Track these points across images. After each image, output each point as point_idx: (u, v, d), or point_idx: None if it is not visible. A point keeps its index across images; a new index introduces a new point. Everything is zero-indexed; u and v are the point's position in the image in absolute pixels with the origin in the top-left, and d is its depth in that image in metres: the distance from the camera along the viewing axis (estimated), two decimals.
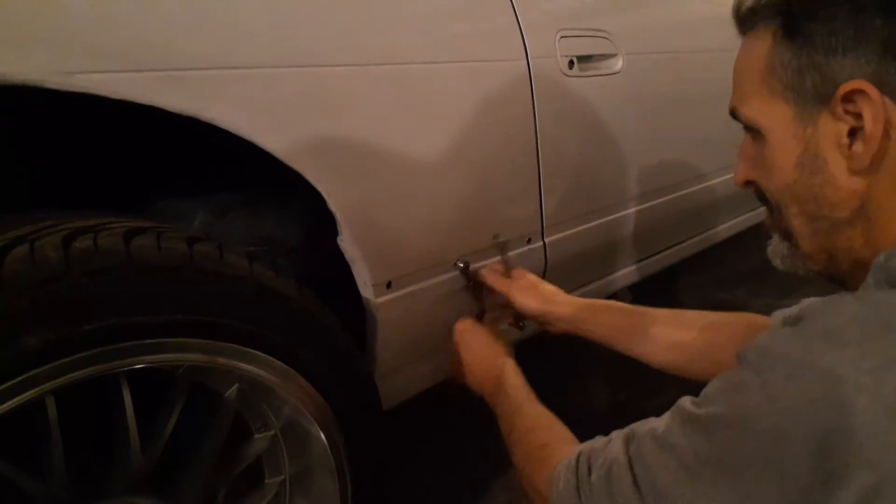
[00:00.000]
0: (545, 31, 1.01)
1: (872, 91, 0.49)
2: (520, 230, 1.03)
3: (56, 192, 0.71)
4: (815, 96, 0.52)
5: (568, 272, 1.18)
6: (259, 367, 0.66)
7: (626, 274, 1.35)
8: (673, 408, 0.55)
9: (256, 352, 0.66)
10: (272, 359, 0.67)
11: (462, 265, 0.93)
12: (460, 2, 0.91)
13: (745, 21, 0.59)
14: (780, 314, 0.73)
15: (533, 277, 0.96)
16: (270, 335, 0.66)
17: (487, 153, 0.93)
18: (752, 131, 0.58)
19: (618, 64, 1.15)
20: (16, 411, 0.52)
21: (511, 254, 1.00)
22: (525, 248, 1.04)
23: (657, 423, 0.55)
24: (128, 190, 0.77)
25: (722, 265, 1.95)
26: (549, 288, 0.95)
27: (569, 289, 1.21)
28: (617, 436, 0.60)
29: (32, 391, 0.53)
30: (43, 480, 0.58)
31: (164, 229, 0.63)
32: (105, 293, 0.56)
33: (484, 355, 0.88)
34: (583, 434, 0.67)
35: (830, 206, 0.54)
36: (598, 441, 0.62)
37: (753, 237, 1.80)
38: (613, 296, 1.39)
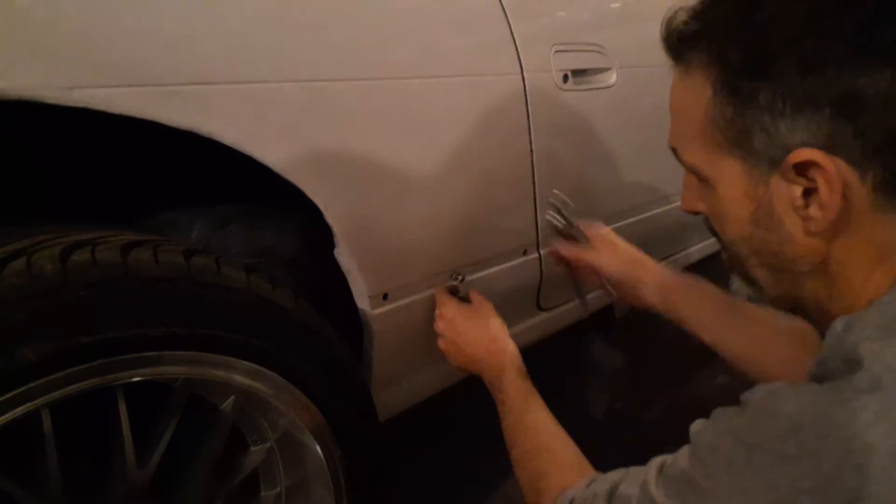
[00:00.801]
0: (540, 45, 1.02)
1: (825, 161, 0.45)
2: (516, 242, 1.04)
3: (55, 205, 0.71)
4: (764, 158, 0.49)
5: (564, 284, 1.18)
6: (255, 380, 0.66)
7: None
8: (657, 466, 0.54)
9: (253, 364, 0.66)
10: (268, 371, 0.67)
11: (458, 278, 0.93)
12: (455, 17, 0.92)
13: (674, 51, 0.55)
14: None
15: (613, 234, 0.89)
16: (267, 347, 0.67)
17: (483, 166, 0.93)
18: (696, 174, 0.56)
19: (612, 78, 1.16)
20: (11, 424, 0.52)
21: (504, 266, 0.95)
22: (521, 260, 1.05)
23: (633, 489, 0.54)
24: (127, 202, 0.78)
25: (716, 273, 1.95)
26: (633, 250, 0.88)
27: (566, 300, 1.22)
28: (601, 490, 0.58)
29: (29, 404, 0.53)
30: (39, 493, 0.57)
31: (161, 242, 0.63)
32: (102, 306, 0.56)
33: (480, 343, 0.84)
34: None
35: (791, 260, 0.51)
36: (591, 488, 0.61)
37: None
38: (609, 306, 1.40)
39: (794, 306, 0.56)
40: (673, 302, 0.82)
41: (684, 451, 0.52)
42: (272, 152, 0.68)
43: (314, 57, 0.73)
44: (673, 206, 1.43)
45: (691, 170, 0.56)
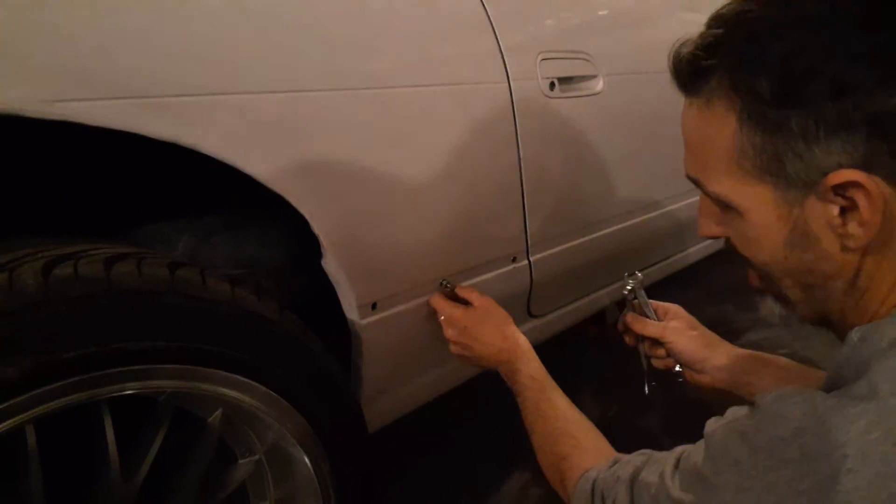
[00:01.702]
0: (526, 53, 1.03)
1: (867, 180, 0.45)
2: (505, 249, 1.04)
3: (38, 217, 0.71)
4: (798, 182, 0.49)
5: (554, 290, 1.19)
6: (242, 393, 0.66)
7: (613, 291, 1.36)
8: (676, 456, 0.56)
9: (239, 377, 0.65)
10: (255, 384, 0.66)
11: (447, 285, 0.93)
12: (440, 25, 0.93)
13: (687, 84, 0.55)
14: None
15: (688, 316, 0.89)
16: (253, 360, 0.66)
17: (470, 174, 0.93)
18: (721, 203, 0.55)
19: (598, 85, 1.17)
20: None
21: (494, 273, 0.98)
22: (510, 267, 1.05)
23: (654, 477, 0.57)
24: (112, 214, 0.77)
25: (707, 280, 1.96)
26: (706, 331, 0.88)
27: (557, 307, 1.22)
28: (624, 474, 0.61)
29: (11, 420, 0.52)
30: None
31: (145, 255, 0.62)
32: (86, 321, 0.55)
33: (492, 341, 0.87)
34: None
35: (826, 277, 0.52)
36: (614, 470, 0.63)
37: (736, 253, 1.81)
38: (601, 312, 1.40)
39: (823, 321, 0.56)
40: (745, 382, 0.82)
41: (700, 445, 0.54)
42: (257, 163, 0.68)
43: (298, 66, 0.73)
44: (665, 210, 1.43)
45: (716, 199, 0.56)
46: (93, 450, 0.62)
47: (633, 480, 0.59)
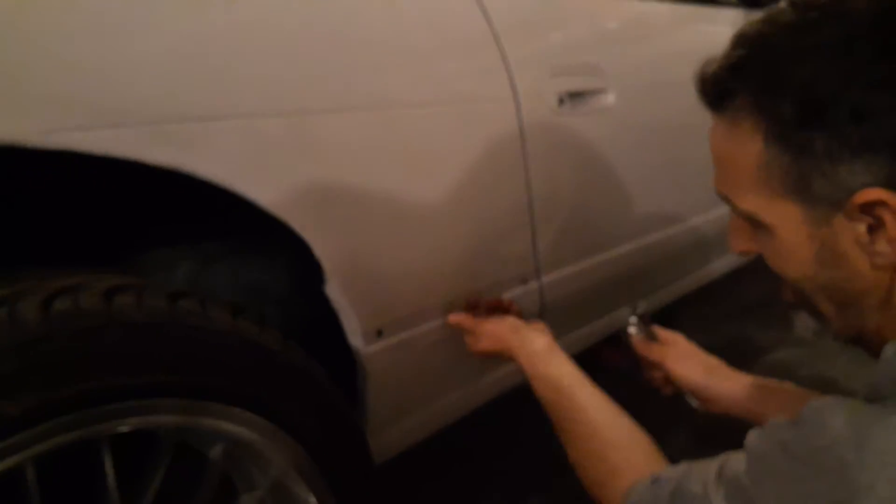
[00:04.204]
0: (533, 68, 1.01)
1: (891, 199, 0.47)
2: (515, 270, 1.02)
3: (37, 246, 0.70)
4: (825, 200, 0.50)
5: (566, 311, 1.16)
6: (243, 426, 0.64)
7: (628, 312, 1.33)
8: (719, 465, 0.56)
9: (240, 410, 0.64)
10: (256, 417, 0.65)
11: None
12: (445, 43, 0.92)
13: (714, 103, 0.56)
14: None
15: (688, 344, 0.89)
16: (254, 392, 0.65)
17: (478, 194, 0.92)
18: (750, 220, 0.56)
19: (609, 99, 1.15)
20: None
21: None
22: (520, 290, 1.03)
23: (697, 487, 0.56)
24: (113, 241, 0.77)
25: (727, 298, 1.92)
26: (710, 359, 0.87)
27: (569, 329, 1.19)
28: (663, 492, 0.59)
29: (12, 459, 0.51)
30: None
31: (145, 286, 0.62)
32: (87, 355, 0.54)
33: (504, 333, 0.83)
34: None
35: (857, 294, 0.53)
36: (654, 489, 0.61)
37: (757, 269, 1.77)
38: (616, 333, 1.37)
39: (857, 338, 0.57)
40: (748, 410, 0.81)
41: (741, 454, 0.54)
42: (258, 189, 0.67)
43: (300, 88, 0.72)
44: (684, 225, 1.40)
45: (746, 216, 0.56)
46: (93, 486, 0.61)
47: (674, 495, 0.58)
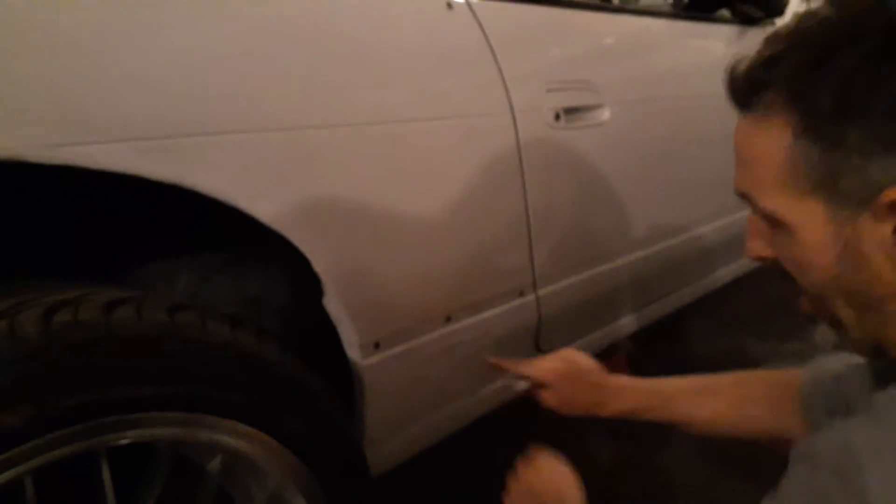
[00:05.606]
0: (529, 84, 1.03)
1: None
2: (511, 283, 1.02)
3: (39, 259, 0.71)
4: (852, 198, 0.49)
5: (564, 324, 1.16)
6: (240, 439, 0.64)
7: (624, 324, 1.34)
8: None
9: (237, 423, 0.64)
10: (254, 429, 0.65)
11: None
12: (442, 59, 0.93)
13: (744, 99, 0.55)
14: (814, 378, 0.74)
15: (573, 359, 0.89)
16: (252, 404, 0.65)
17: (475, 208, 0.93)
18: (771, 220, 0.55)
19: (605, 114, 1.16)
20: None
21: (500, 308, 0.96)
22: (518, 302, 1.03)
23: None
24: (112, 254, 0.77)
25: (722, 310, 1.93)
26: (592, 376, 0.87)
27: (567, 341, 1.20)
28: None
29: (13, 471, 0.52)
30: None
31: (144, 298, 0.62)
32: (86, 367, 0.55)
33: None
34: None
35: (879, 299, 0.51)
36: None
37: (752, 281, 1.79)
38: (612, 345, 1.38)
39: (876, 347, 0.55)
40: (668, 411, 0.84)
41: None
42: (258, 204, 0.68)
43: (299, 103, 0.73)
44: (674, 240, 1.41)
45: (767, 216, 0.55)
46: (91, 499, 0.61)
47: None
